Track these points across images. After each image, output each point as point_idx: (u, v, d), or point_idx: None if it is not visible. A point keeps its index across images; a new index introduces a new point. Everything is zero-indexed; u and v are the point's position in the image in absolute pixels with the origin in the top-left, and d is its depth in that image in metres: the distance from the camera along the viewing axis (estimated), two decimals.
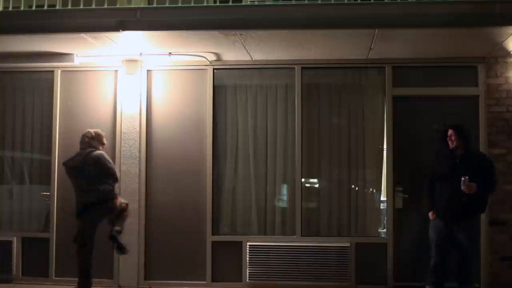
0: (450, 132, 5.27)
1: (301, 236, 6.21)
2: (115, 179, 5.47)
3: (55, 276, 6.40)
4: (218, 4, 5.86)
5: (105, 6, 5.69)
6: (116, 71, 6.51)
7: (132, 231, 6.14)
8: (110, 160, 5.54)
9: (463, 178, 5.01)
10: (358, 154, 6.32)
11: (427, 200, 5.42)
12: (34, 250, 6.47)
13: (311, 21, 5.30)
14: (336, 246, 6.09)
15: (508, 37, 5.42)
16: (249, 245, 6.20)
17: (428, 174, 5.45)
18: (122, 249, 5.40)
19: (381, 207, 6.33)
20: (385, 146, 6.26)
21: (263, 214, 6.38)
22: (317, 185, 6.47)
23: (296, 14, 5.38)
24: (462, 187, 5.02)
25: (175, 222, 6.31)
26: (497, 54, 6.01)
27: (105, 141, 5.67)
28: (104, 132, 5.72)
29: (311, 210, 6.35)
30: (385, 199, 6.26)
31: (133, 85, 6.42)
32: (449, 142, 5.27)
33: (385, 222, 6.22)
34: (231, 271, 6.24)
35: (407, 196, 6.17)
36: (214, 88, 6.45)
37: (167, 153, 6.43)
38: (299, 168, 6.28)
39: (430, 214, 5.36)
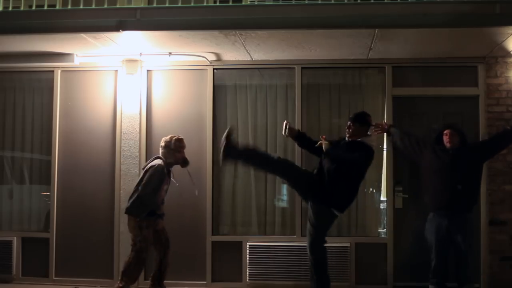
0: (446, 131, 5.32)
1: (301, 236, 6.19)
2: None
3: (55, 276, 6.40)
4: (218, 4, 5.85)
5: (105, 6, 5.68)
6: (116, 71, 6.51)
7: None
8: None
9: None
10: None
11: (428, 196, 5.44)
12: (34, 250, 6.47)
13: (311, 21, 5.30)
14: (336, 246, 6.07)
15: (508, 37, 5.41)
16: (249, 245, 6.20)
17: (423, 172, 5.48)
18: None
19: (381, 207, 6.32)
20: (385, 146, 6.26)
21: (263, 214, 6.38)
22: None
23: (296, 14, 5.37)
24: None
25: (175, 222, 6.28)
26: (497, 54, 6.00)
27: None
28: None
29: None
30: (385, 199, 6.26)
31: (133, 85, 6.42)
32: (447, 144, 5.30)
33: (385, 222, 6.22)
34: (231, 271, 6.24)
35: (407, 196, 6.17)
36: (214, 88, 6.45)
37: None
38: None
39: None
